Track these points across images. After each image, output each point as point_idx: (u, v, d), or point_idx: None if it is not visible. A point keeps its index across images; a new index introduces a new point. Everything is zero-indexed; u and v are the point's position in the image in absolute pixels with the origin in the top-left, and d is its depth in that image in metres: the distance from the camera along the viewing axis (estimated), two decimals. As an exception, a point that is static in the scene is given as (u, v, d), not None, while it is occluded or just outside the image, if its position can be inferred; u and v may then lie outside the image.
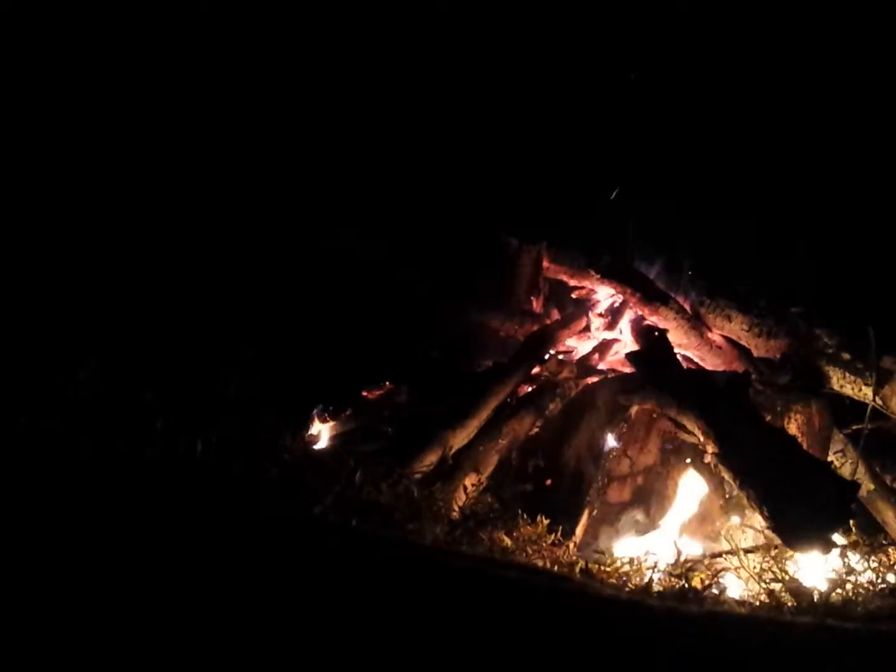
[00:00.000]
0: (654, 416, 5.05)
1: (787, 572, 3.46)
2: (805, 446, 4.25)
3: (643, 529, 4.64)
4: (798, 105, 7.18)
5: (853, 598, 3.23)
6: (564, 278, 6.99)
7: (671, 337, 5.72)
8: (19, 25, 6.41)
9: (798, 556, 3.46)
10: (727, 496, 4.66)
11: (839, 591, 3.29)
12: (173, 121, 7.02)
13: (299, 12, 7.50)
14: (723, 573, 3.64)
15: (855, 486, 3.45)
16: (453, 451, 4.61)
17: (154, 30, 7.00)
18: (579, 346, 6.72)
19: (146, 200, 6.70)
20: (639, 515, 4.75)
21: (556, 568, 3.63)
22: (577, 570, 3.61)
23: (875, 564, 3.59)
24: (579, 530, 4.47)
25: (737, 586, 3.62)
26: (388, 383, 6.16)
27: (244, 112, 7.34)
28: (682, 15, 7.39)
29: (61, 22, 6.62)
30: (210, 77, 7.15)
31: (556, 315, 7.07)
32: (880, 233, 6.51)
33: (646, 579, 3.62)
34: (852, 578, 3.43)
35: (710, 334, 6.02)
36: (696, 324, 5.98)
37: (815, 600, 3.17)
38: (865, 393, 4.87)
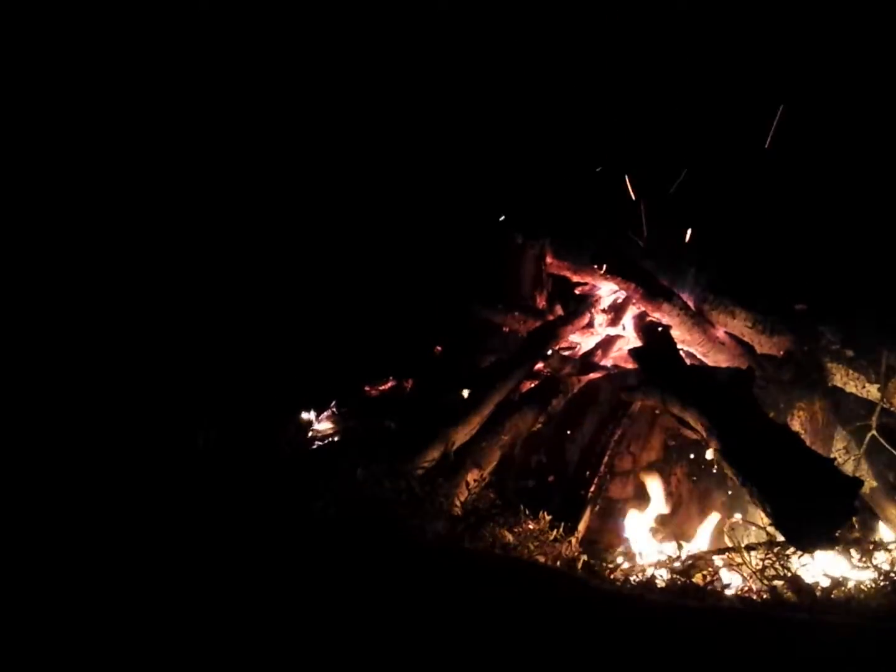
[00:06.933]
0: (657, 412, 5.04)
1: (789, 569, 3.46)
2: (808, 443, 4.23)
3: (647, 526, 4.64)
4: (799, 101, 7.15)
5: (855, 595, 3.23)
6: (568, 274, 6.97)
7: (674, 333, 5.70)
8: (19, 25, 6.41)
9: (800, 552, 3.45)
10: (729, 493, 4.65)
11: (841, 588, 3.28)
12: (172, 118, 7.03)
13: (298, 11, 7.51)
14: (725, 570, 3.64)
15: (858, 482, 3.43)
16: (456, 446, 4.60)
17: (154, 29, 7.00)
18: (582, 343, 6.71)
19: (147, 198, 6.72)
20: (642, 512, 4.74)
21: (558, 564, 3.63)
22: (580, 566, 3.61)
23: (877, 562, 3.58)
24: (581, 526, 4.47)
25: (739, 583, 3.61)
26: (390, 379, 6.17)
27: (244, 110, 7.35)
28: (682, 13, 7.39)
29: (61, 22, 6.62)
30: (209, 76, 7.15)
31: (559, 311, 7.05)
32: (883, 229, 6.48)
33: (648, 575, 3.62)
34: (854, 576, 3.43)
35: (713, 331, 6.00)
36: (700, 320, 5.95)
37: (817, 597, 3.17)
38: (869, 389, 4.85)
